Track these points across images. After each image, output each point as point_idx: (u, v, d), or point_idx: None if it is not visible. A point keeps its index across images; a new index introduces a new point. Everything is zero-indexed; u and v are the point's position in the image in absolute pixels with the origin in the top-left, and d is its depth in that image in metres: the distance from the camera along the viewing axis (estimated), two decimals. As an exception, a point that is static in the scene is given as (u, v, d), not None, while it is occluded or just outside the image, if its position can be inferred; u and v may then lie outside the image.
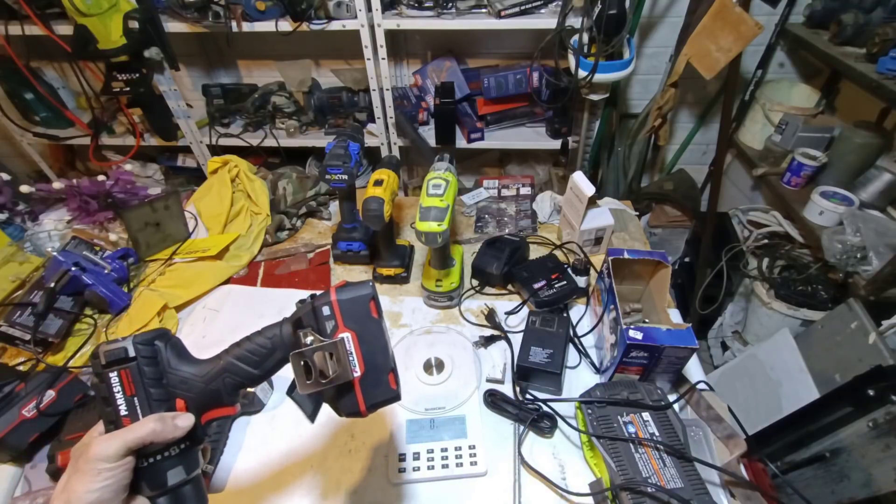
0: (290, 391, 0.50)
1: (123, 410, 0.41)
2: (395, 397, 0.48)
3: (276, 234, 1.15)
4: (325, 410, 0.74)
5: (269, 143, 1.91)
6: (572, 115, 1.85)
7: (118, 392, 0.41)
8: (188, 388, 0.44)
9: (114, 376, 0.41)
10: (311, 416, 0.55)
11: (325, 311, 0.46)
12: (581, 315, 0.93)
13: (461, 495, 0.67)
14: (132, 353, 0.42)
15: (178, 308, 0.98)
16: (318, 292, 0.48)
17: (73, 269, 0.91)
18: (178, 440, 0.42)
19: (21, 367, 0.83)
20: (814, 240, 1.40)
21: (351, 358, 0.45)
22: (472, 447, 0.70)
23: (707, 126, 2.08)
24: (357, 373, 0.46)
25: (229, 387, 0.45)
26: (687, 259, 2.03)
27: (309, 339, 0.45)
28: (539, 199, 1.21)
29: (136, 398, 0.41)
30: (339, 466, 0.71)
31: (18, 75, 1.75)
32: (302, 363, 0.44)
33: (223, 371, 0.45)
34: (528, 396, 0.77)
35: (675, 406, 0.70)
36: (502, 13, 1.51)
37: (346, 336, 0.45)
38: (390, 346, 0.48)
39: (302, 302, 0.49)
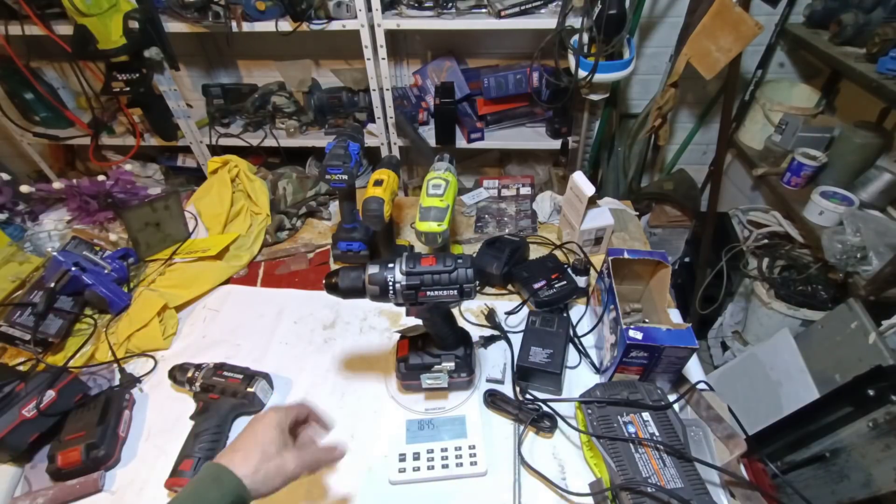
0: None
1: None
2: None
3: (276, 234, 1.15)
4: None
5: (269, 143, 1.91)
6: (572, 115, 1.84)
7: None
8: None
9: None
10: None
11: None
12: (581, 315, 0.93)
13: (461, 495, 0.67)
14: None
15: (179, 308, 0.98)
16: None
17: (73, 269, 0.90)
18: None
19: (21, 367, 0.83)
20: (814, 240, 1.40)
21: None
22: (471, 447, 0.70)
23: (707, 126, 2.08)
24: None
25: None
26: (687, 259, 2.03)
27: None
28: (539, 199, 1.21)
29: None
30: (339, 466, 0.71)
31: (18, 75, 1.75)
32: None
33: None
34: (528, 396, 0.77)
35: (675, 406, 0.70)
36: (502, 13, 1.51)
37: None
38: None
39: None
